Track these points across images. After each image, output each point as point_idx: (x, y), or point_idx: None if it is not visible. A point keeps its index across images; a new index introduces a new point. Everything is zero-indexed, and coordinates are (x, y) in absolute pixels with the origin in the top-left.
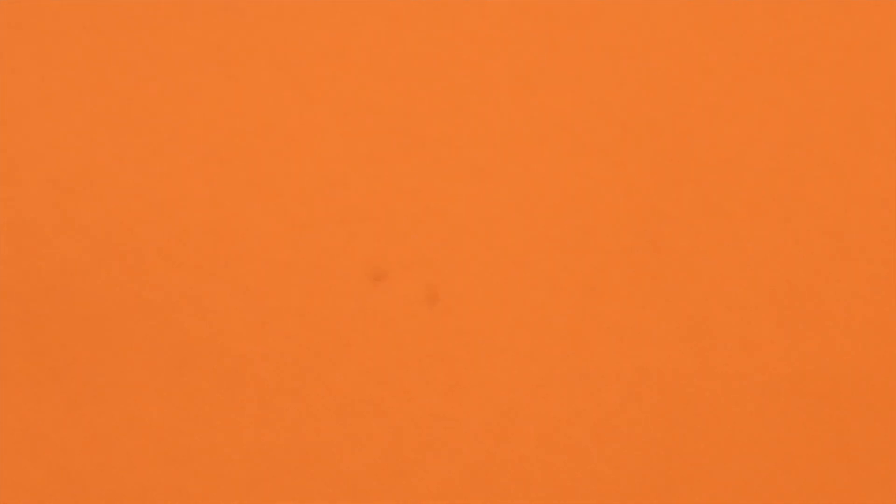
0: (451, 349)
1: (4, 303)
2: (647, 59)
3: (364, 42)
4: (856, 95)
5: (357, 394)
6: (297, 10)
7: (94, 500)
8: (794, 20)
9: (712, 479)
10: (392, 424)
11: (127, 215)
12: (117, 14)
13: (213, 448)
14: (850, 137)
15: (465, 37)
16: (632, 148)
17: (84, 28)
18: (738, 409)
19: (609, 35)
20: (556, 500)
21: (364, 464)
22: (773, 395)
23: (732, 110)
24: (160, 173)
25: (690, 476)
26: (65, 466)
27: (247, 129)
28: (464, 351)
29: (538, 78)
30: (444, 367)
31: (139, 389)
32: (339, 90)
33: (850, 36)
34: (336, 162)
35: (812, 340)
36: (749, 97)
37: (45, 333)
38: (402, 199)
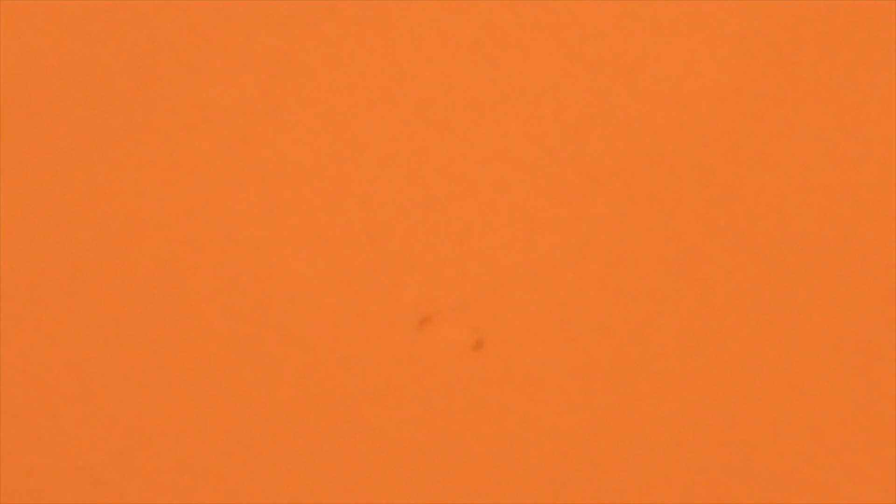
0: (497, 395)
1: (54, 346)
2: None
3: (409, 94)
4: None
5: (402, 439)
6: (346, 59)
7: None
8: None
9: None
10: (438, 470)
11: (174, 260)
12: (167, 62)
13: (258, 493)
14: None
15: (518, 86)
16: (692, 195)
17: (131, 73)
18: (787, 452)
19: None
20: None
21: None
22: (824, 438)
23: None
24: (207, 218)
25: None
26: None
27: (292, 173)
28: (510, 397)
29: (590, 125)
30: (489, 412)
31: (185, 434)
32: (385, 137)
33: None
34: (381, 206)
35: (860, 382)
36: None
37: (93, 376)
38: (448, 244)
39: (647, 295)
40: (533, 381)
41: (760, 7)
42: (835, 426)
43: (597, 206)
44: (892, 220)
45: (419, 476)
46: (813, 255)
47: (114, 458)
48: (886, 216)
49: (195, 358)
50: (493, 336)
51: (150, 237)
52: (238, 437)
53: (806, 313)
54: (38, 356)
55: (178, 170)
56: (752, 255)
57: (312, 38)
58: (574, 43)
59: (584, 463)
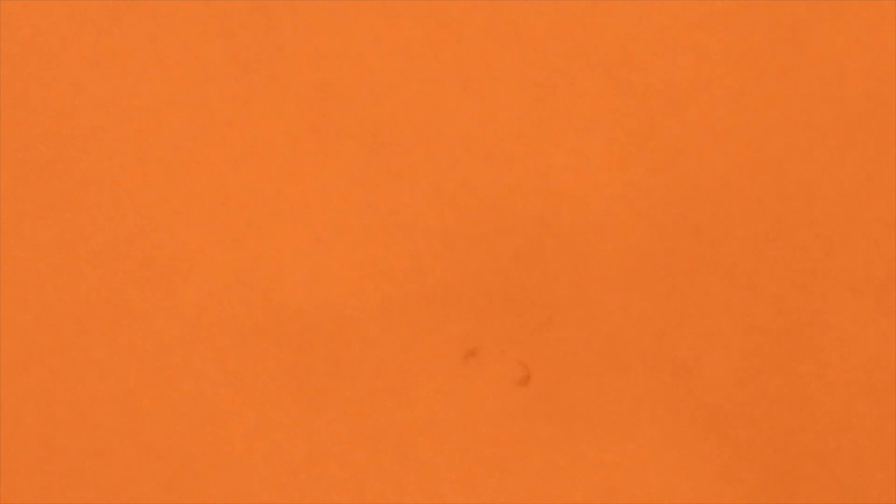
0: (544, 430)
1: (99, 378)
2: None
3: (448, 125)
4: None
5: (449, 473)
6: (388, 87)
7: None
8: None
9: None
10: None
11: (219, 293)
12: (213, 96)
13: None
14: None
15: (565, 117)
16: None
17: (176, 106)
18: (836, 487)
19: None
20: None
21: None
22: (875, 473)
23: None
24: (253, 250)
25: None
26: None
27: (339, 207)
28: (557, 432)
29: (634, 157)
30: (536, 447)
31: (229, 465)
32: (427, 170)
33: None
34: (427, 240)
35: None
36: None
37: (140, 409)
38: (495, 278)
39: (694, 330)
40: (580, 416)
41: (810, 40)
42: (886, 461)
43: (642, 240)
44: None
45: None
46: (862, 289)
47: (161, 491)
48: None
49: (239, 388)
50: (539, 369)
51: (196, 270)
52: (280, 469)
53: (855, 348)
54: (83, 387)
55: (226, 203)
56: (800, 288)
57: (349, 69)
58: (621, 71)
59: (632, 499)
